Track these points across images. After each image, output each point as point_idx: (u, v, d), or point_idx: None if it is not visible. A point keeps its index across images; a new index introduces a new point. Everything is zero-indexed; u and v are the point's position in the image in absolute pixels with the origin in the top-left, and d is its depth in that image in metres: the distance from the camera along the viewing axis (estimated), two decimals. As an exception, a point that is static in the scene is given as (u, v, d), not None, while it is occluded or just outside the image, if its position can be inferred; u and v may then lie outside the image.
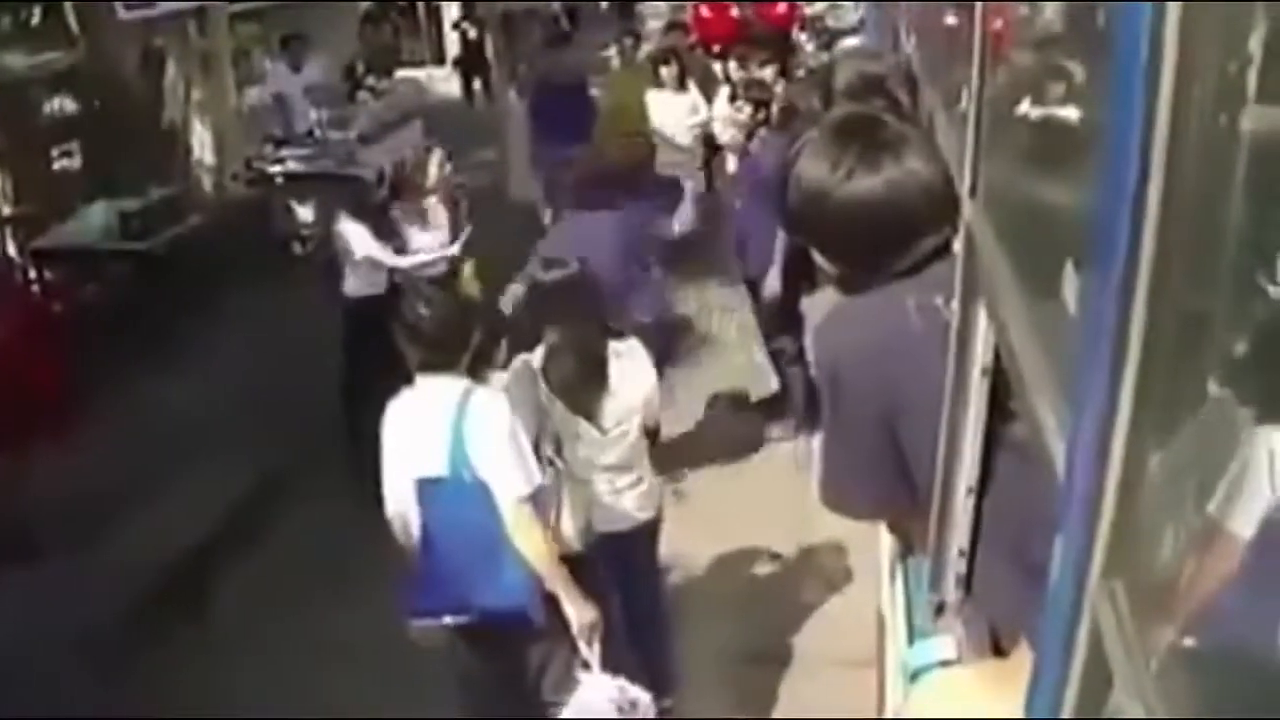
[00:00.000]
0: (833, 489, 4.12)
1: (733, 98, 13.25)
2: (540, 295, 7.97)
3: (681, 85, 17.79)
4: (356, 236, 11.51)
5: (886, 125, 3.94)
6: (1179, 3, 1.44)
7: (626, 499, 7.99)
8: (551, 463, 7.40)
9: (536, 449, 7.23)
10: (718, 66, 20.69)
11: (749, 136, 12.27)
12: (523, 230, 17.35)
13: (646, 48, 21.17)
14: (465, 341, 6.91)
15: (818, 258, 4.15)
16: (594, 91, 20.30)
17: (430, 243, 11.98)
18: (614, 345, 7.94)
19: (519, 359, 7.88)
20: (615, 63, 21.23)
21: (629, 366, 7.95)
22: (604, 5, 35.70)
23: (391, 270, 11.64)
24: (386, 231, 11.69)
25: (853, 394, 3.80)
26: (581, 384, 7.80)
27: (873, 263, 3.87)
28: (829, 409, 3.98)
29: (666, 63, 18.23)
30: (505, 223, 18.50)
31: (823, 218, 3.91)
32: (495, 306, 6.63)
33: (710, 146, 17.33)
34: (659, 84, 17.90)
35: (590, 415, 7.83)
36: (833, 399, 3.92)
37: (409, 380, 6.86)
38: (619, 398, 7.85)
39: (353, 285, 11.75)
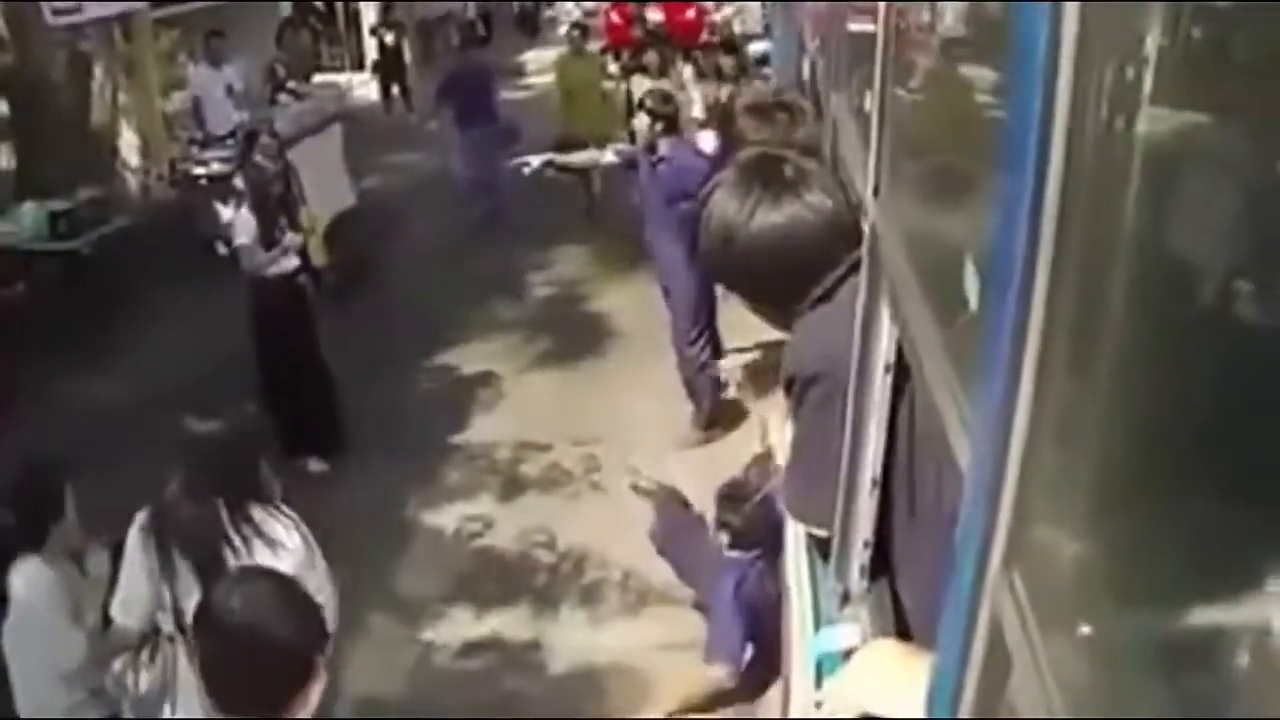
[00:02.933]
0: (803, 498, 4.11)
1: (640, 106, 13.23)
2: (184, 446, 6.36)
3: (663, 73, 18.24)
4: (243, 225, 11.45)
5: (787, 162, 3.95)
6: (1077, 5, 1.44)
7: None
8: (170, 638, 6.11)
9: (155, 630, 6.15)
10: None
11: (650, 147, 12.20)
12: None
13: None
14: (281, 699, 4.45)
15: (739, 301, 4.16)
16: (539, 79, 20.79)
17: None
18: (257, 512, 6.22)
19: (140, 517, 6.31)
20: (565, 51, 21.86)
21: (272, 535, 6.17)
22: (515, 8, 35.84)
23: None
24: (271, 231, 11.53)
25: (826, 395, 3.78)
26: (205, 544, 6.09)
27: (785, 295, 3.89)
28: (804, 414, 3.96)
29: (646, 52, 18.90)
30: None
31: (733, 257, 3.93)
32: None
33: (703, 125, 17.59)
34: (642, 70, 18.30)
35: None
36: (805, 404, 3.91)
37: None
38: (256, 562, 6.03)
39: (248, 265, 11.62)
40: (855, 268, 3.72)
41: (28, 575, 6.29)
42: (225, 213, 11.61)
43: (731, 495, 8.76)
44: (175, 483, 6.16)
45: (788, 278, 3.85)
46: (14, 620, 6.33)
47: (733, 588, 8.08)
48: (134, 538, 6.16)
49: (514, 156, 15.30)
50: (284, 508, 6.25)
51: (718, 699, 8.20)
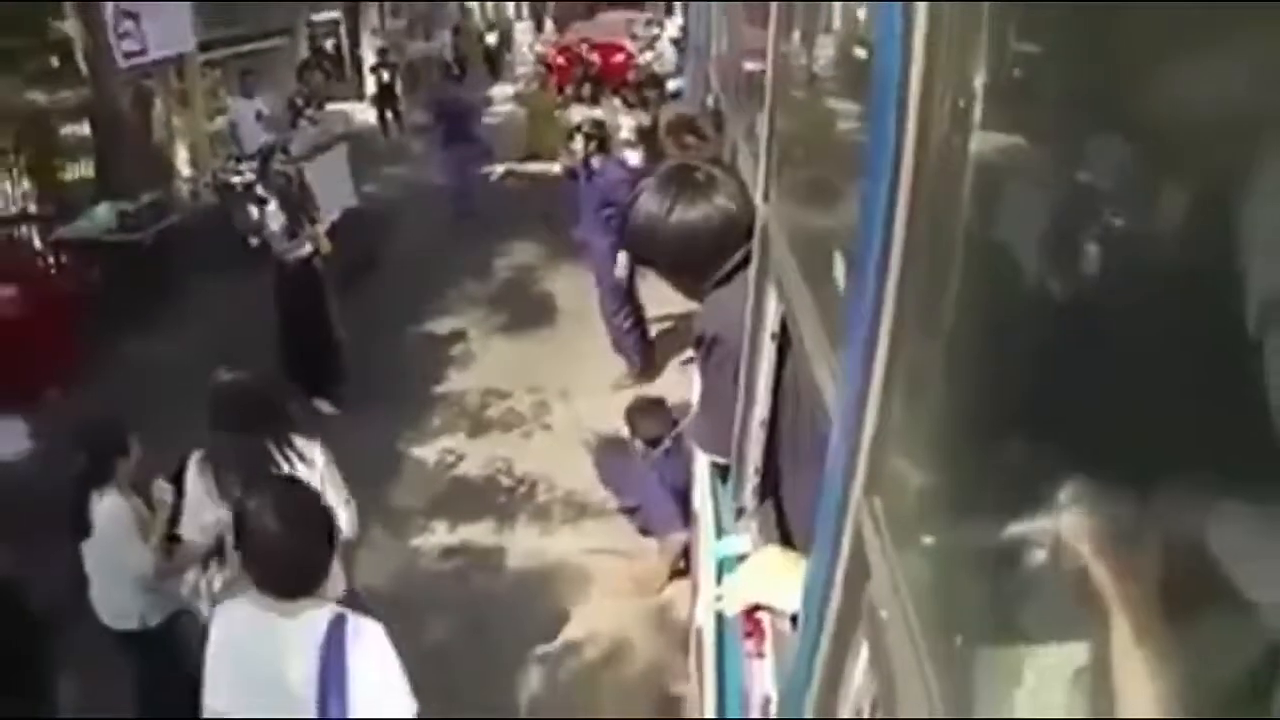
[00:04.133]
0: (708, 433, 4.14)
1: (578, 130, 13.17)
2: (213, 398, 6.31)
3: (595, 103, 18.40)
4: (273, 218, 11.61)
5: (698, 170, 3.94)
6: (921, 54, 1.44)
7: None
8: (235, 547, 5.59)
9: (221, 542, 6.11)
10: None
11: (585, 162, 12.20)
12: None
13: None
14: (320, 572, 4.56)
15: (654, 273, 4.15)
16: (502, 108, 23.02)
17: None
18: (297, 439, 6.24)
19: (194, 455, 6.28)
20: (534, 85, 22.67)
21: (308, 455, 6.23)
22: (482, 52, 35.61)
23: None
24: (295, 220, 11.65)
25: (725, 354, 3.79)
26: (257, 466, 6.03)
27: (696, 274, 3.90)
28: (709, 369, 3.98)
29: (584, 85, 19.26)
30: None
31: (655, 243, 3.92)
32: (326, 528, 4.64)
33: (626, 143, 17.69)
34: (580, 100, 18.48)
35: None
36: (710, 360, 3.93)
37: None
38: None
39: (277, 251, 11.76)
40: (748, 260, 3.76)
41: (105, 504, 6.31)
42: (258, 210, 11.68)
43: (641, 409, 8.86)
44: (226, 420, 6.22)
45: (698, 261, 3.86)
46: (94, 540, 6.36)
47: (657, 479, 8.23)
48: (192, 470, 6.18)
49: (486, 169, 15.42)
50: (313, 438, 6.36)
51: (674, 575, 8.37)
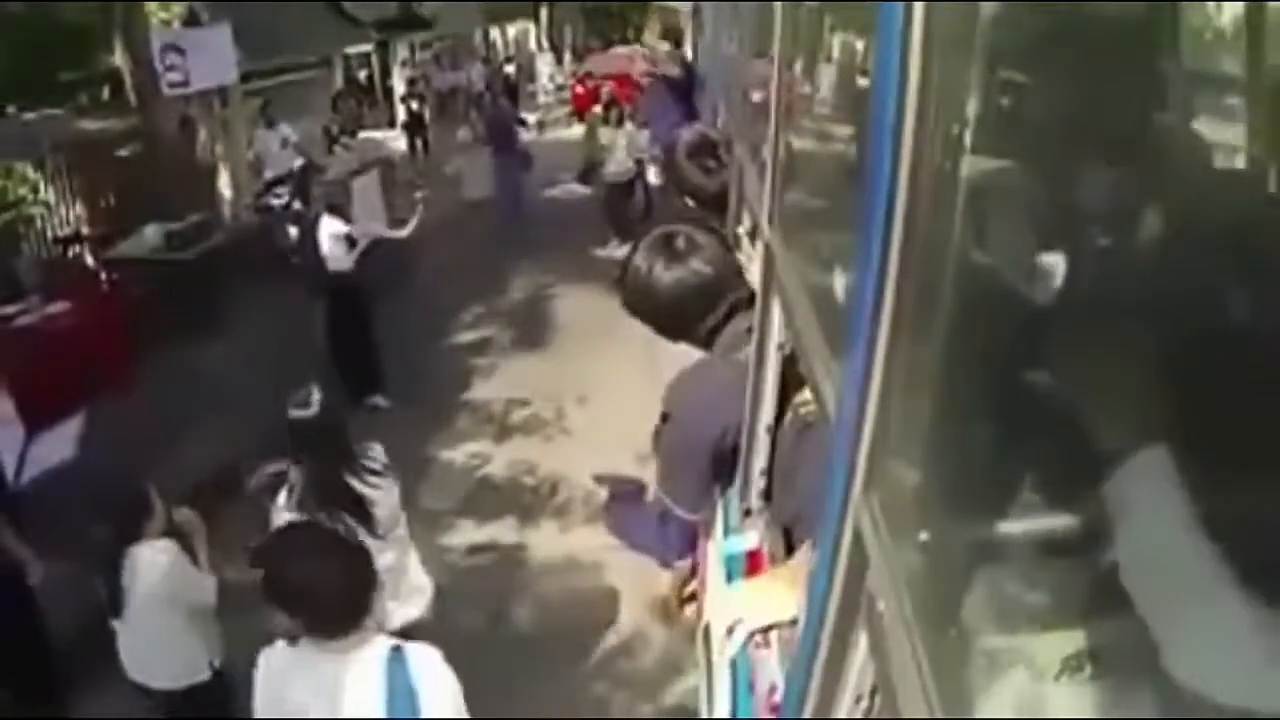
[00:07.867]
0: (670, 494, 4.14)
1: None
2: (290, 434, 5.98)
3: (620, 123, 19.27)
4: (328, 224, 11.75)
5: (679, 236, 4.04)
6: (917, 80, 1.45)
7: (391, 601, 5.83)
8: None
9: None
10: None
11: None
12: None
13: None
14: (366, 604, 4.32)
15: (648, 327, 4.20)
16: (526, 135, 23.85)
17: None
18: (367, 461, 6.08)
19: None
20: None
21: (385, 482, 6.09)
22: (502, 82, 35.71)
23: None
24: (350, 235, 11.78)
25: (672, 430, 3.98)
26: (340, 491, 5.89)
27: (681, 331, 4.06)
28: (661, 441, 4.10)
29: (611, 109, 21.57)
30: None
31: (643, 302, 4.03)
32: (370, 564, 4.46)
33: (639, 161, 18.34)
34: (606, 122, 21.07)
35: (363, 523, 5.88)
36: (662, 431, 4.06)
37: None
38: (382, 507, 5.95)
39: (333, 263, 11.79)
40: (733, 310, 3.91)
41: (145, 557, 5.81)
42: (311, 226, 11.85)
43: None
44: (303, 453, 5.93)
45: (680, 320, 3.99)
46: (141, 598, 5.81)
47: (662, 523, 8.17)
48: (279, 502, 5.86)
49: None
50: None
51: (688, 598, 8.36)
